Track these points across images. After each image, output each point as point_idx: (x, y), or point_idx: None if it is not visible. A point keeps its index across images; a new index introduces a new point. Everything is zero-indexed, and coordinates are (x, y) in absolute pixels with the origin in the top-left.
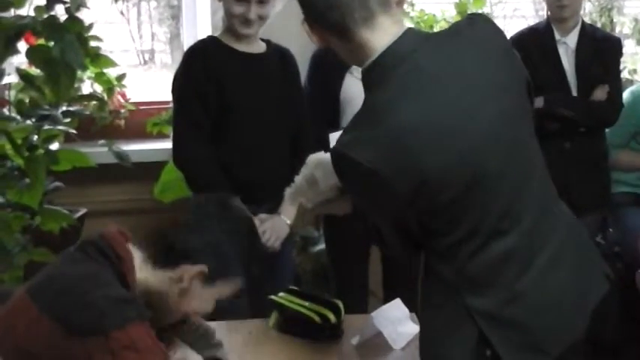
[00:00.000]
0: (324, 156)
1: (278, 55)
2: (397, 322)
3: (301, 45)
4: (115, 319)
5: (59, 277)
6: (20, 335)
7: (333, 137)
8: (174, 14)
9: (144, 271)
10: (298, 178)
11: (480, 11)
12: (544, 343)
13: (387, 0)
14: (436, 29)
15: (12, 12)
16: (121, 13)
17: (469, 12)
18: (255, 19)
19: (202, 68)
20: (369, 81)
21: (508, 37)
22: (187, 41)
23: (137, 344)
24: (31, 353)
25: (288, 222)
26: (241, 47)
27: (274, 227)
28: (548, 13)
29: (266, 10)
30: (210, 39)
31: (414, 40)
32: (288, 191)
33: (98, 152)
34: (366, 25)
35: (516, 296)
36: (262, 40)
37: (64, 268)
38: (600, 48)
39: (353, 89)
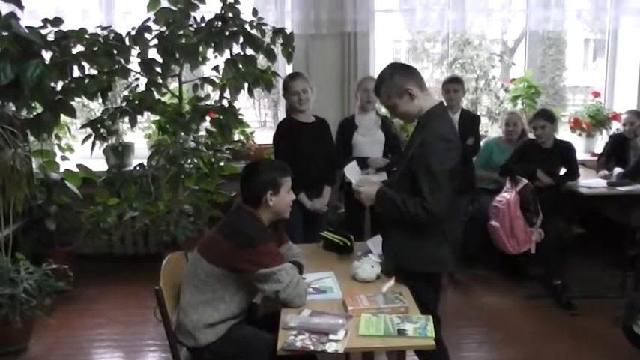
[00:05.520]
0: None
1: (320, 122)
2: (376, 243)
3: (330, 117)
4: (258, 239)
5: (228, 222)
6: (213, 248)
7: (347, 168)
8: (275, 104)
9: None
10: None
11: None
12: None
13: (423, 85)
14: None
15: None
16: (253, 103)
17: None
18: (304, 99)
19: (284, 131)
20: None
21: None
22: (280, 117)
23: (269, 252)
24: (218, 257)
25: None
26: (301, 119)
27: (320, 204)
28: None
29: (307, 96)
30: (289, 117)
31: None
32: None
33: (241, 166)
34: (424, 92)
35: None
36: (312, 115)
37: (231, 218)
38: (470, 120)
39: (356, 139)
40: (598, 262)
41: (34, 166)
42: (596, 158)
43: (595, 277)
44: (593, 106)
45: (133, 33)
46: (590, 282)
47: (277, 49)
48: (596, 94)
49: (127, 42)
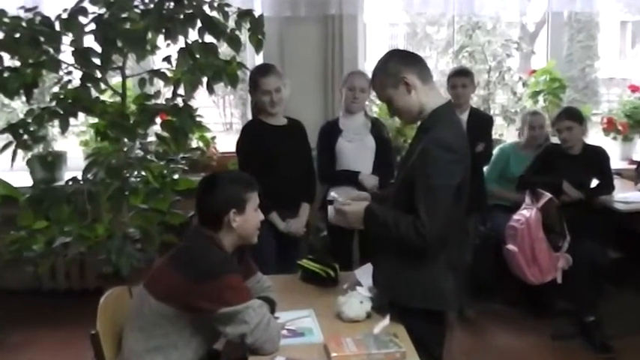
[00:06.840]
0: None
1: (295, 125)
2: (366, 273)
3: (310, 120)
4: (218, 270)
5: (182, 249)
6: (162, 282)
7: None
8: (244, 102)
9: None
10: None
11: None
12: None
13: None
14: None
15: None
16: (213, 101)
17: None
18: (277, 100)
19: (250, 135)
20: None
21: None
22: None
23: (233, 285)
24: (169, 293)
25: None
26: (271, 121)
27: (297, 225)
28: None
29: (280, 95)
30: (256, 119)
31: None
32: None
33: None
34: (427, 86)
35: None
36: (285, 117)
37: (185, 244)
38: (480, 121)
39: (341, 146)
40: (639, 293)
41: None
42: (634, 167)
43: (635, 312)
44: (630, 102)
45: (65, 16)
46: (630, 317)
47: (244, 36)
48: (635, 89)
49: (57, 27)
